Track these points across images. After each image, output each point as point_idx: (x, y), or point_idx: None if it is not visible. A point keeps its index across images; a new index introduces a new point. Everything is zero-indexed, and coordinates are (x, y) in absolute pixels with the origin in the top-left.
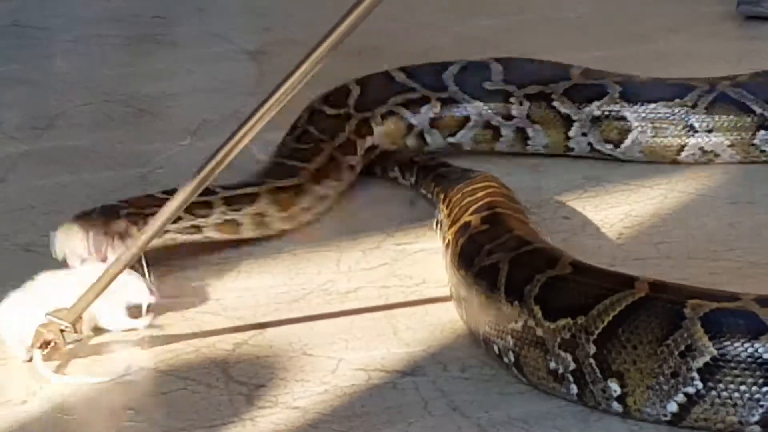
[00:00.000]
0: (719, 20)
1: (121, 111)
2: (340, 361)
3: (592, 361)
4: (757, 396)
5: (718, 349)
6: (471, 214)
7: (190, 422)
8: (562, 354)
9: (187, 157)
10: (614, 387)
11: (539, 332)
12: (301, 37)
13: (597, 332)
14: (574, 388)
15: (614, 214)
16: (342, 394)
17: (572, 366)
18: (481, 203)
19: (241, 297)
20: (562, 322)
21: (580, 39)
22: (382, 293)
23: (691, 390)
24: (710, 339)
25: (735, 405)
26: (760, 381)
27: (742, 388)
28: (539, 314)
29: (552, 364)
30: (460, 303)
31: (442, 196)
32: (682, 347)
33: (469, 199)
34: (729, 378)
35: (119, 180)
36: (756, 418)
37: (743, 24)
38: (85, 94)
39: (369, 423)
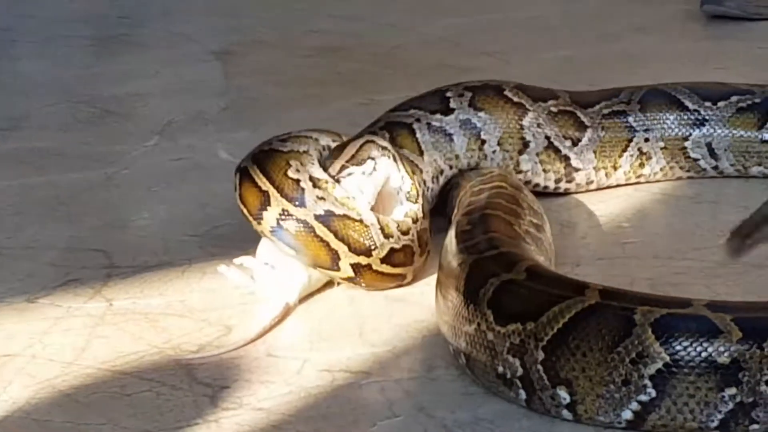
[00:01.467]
0: (685, 20)
1: (86, 112)
2: (305, 362)
3: (540, 367)
4: (714, 402)
5: (670, 355)
6: (464, 214)
7: (155, 424)
8: (511, 359)
9: (153, 158)
10: (563, 395)
11: (490, 336)
12: (268, 37)
13: (546, 339)
14: (522, 394)
15: (578, 214)
16: (307, 395)
17: (520, 371)
18: (477, 204)
19: (206, 298)
20: (512, 327)
21: (546, 39)
22: (347, 294)
23: (644, 398)
24: (662, 345)
25: (692, 411)
26: (715, 386)
27: (698, 394)
28: (491, 318)
29: (500, 369)
30: (436, 301)
31: (455, 193)
32: (633, 354)
33: (471, 198)
34: (684, 384)
35: (85, 181)
36: (715, 423)
37: (708, 24)
38: (50, 95)
39: (334, 424)
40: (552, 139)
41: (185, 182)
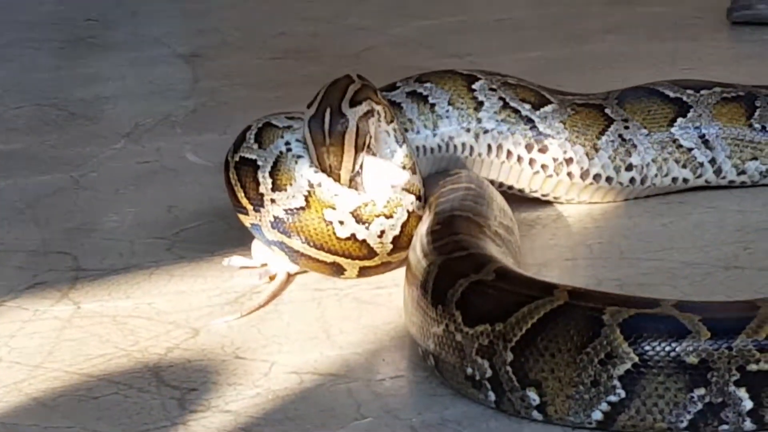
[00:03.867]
0: (654, 22)
1: (54, 115)
2: (273, 364)
3: (509, 368)
4: (683, 402)
5: (639, 356)
6: (433, 214)
7: (122, 427)
8: (479, 360)
9: (120, 161)
10: (533, 396)
11: (458, 337)
12: (236, 40)
13: (515, 339)
14: (492, 395)
15: (546, 214)
16: (274, 397)
17: (489, 373)
18: (446, 205)
19: (174, 301)
20: (480, 328)
21: (516, 41)
22: (315, 296)
23: (614, 398)
24: (630, 345)
25: (662, 412)
26: (684, 386)
27: (667, 394)
28: (459, 319)
29: (468, 370)
30: (404, 302)
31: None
32: (602, 355)
33: (440, 199)
34: (653, 385)
35: (52, 184)
36: (685, 423)
37: (678, 25)
38: (18, 97)
39: (302, 426)
40: (508, 101)
41: (153, 185)
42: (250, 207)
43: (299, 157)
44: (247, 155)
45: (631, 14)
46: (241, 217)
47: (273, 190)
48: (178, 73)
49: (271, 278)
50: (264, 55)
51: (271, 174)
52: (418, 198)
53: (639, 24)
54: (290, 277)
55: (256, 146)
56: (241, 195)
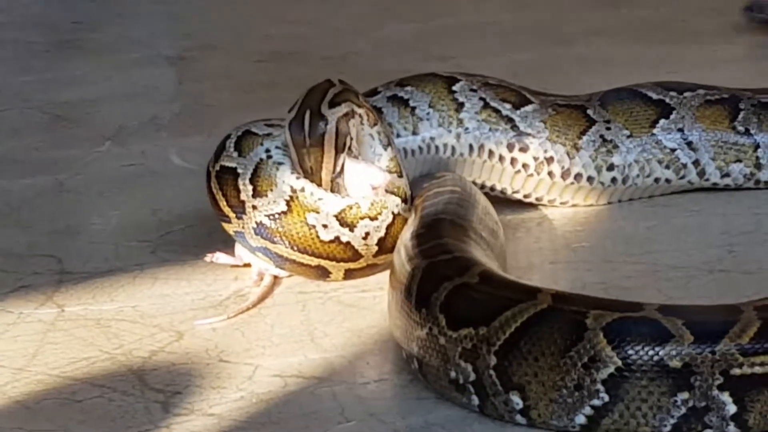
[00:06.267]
0: (640, 25)
1: (38, 117)
2: (257, 367)
3: (492, 372)
4: (666, 406)
5: (622, 359)
6: (418, 218)
7: (106, 430)
8: (463, 364)
9: (105, 164)
10: (516, 400)
11: (442, 341)
12: (221, 42)
13: (498, 343)
14: (475, 399)
15: (531, 218)
16: (258, 400)
17: (472, 377)
18: (431, 208)
19: (158, 304)
20: (464, 331)
21: (501, 43)
22: (299, 299)
23: (597, 402)
24: (614, 349)
25: (645, 416)
26: (668, 390)
27: (651, 398)
28: (443, 322)
29: (452, 374)
30: (388, 306)
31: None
32: (586, 359)
33: (426, 203)
34: (636, 389)
35: (37, 187)
36: (668, 428)
37: (663, 28)
38: (2, 100)
39: (285, 430)
40: (488, 101)
41: (137, 188)
42: (232, 215)
43: (280, 163)
44: (227, 164)
45: (616, 17)
46: (225, 225)
47: (254, 196)
48: (163, 75)
49: (260, 279)
50: (249, 57)
51: (252, 181)
52: (404, 200)
53: (624, 27)
54: (277, 279)
55: (236, 154)
56: (223, 203)
